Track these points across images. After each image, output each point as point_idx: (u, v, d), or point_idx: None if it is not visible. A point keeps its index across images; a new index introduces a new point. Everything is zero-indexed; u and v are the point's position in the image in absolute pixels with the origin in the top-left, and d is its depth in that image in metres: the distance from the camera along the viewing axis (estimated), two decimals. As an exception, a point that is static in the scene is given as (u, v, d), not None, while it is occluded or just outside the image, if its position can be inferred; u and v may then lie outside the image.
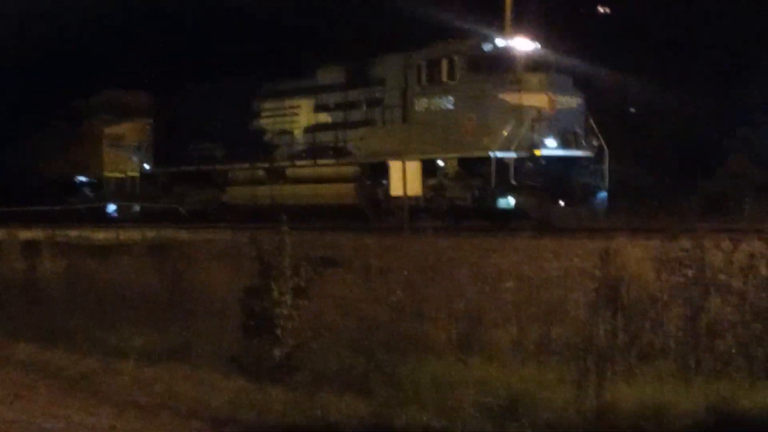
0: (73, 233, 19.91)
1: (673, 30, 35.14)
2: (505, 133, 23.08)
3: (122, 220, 35.44)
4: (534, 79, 24.07)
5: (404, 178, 23.19)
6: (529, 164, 23.20)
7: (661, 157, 32.06)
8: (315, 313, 9.35)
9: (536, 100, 23.63)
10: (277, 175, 29.03)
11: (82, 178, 39.07)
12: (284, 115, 29.26)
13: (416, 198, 23.82)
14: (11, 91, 44.81)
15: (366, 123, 26.44)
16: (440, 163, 24.52)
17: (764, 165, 29.39)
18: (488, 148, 23.14)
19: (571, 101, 24.20)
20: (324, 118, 27.89)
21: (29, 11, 41.36)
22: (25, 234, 17.84)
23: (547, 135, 23.45)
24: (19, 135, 41.74)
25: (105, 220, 35.17)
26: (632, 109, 34.99)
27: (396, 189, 24.00)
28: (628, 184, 26.95)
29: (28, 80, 45.74)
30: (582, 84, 25.45)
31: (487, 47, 24.92)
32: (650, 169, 30.54)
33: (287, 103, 29.19)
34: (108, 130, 37.80)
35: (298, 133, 28.67)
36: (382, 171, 25.31)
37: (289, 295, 9.04)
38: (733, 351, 8.24)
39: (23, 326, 11.66)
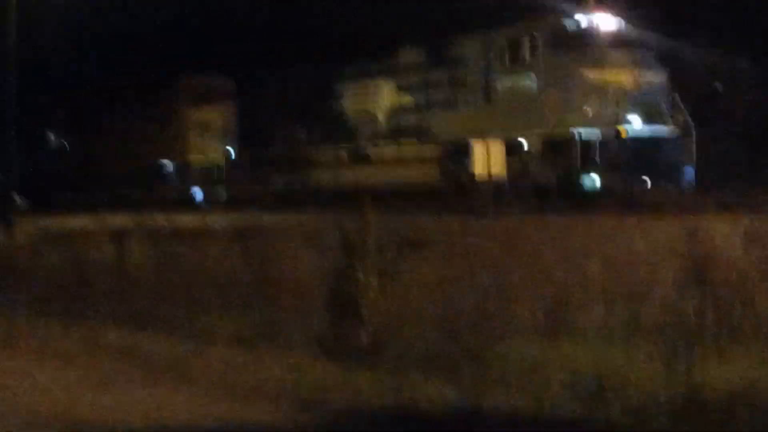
0: (161, 219, 20.10)
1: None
2: (589, 111, 22.90)
3: (209, 204, 35.82)
4: (617, 55, 23.87)
5: (487, 159, 23.16)
6: (614, 142, 23.00)
7: (749, 132, 31.54)
8: (400, 296, 9.35)
9: (620, 76, 23.42)
10: (360, 157, 29.14)
11: (169, 164, 39.54)
12: (366, 96, 29.32)
13: (500, 178, 23.77)
14: (99, 78, 45.48)
15: (448, 103, 26.42)
16: (524, 142, 24.40)
17: None
18: (572, 127, 22.97)
19: (656, 77, 23.95)
20: (406, 99, 27.91)
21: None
22: (114, 220, 18.10)
23: (632, 112, 23.22)
24: (107, 122, 42.35)
25: (192, 205, 35.58)
26: (718, 85, 34.46)
27: (479, 170, 23.99)
28: (715, 160, 26.57)
29: (114, 67, 46.36)
30: (667, 59, 25.12)
31: (568, 24, 24.74)
32: (738, 144, 30.07)
33: (369, 84, 29.25)
34: (193, 116, 38.21)
35: (380, 114, 28.73)
36: (466, 152, 25.29)
37: (374, 277, 9.05)
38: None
39: (114, 312, 11.83)
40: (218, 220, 20.71)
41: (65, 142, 46.38)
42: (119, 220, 18.51)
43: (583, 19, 25.06)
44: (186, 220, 21.67)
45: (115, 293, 12.78)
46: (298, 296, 10.66)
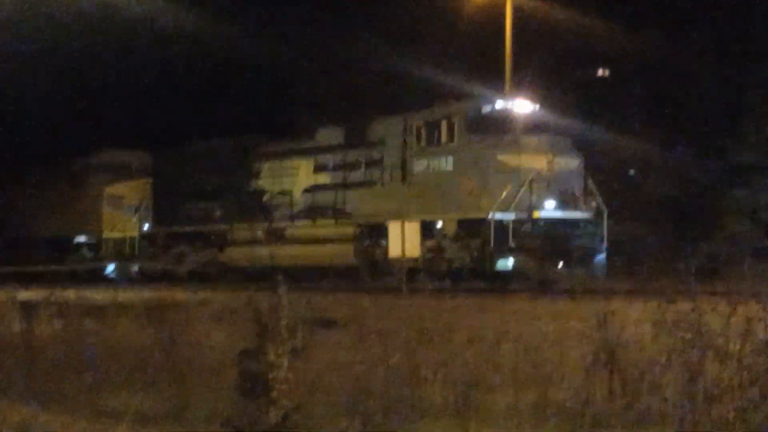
0: (71, 293, 19.83)
1: (669, 89, 35.37)
2: (504, 195, 23.14)
3: (121, 280, 35.41)
4: (533, 140, 24.19)
5: (403, 239, 23.24)
6: (528, 226, 23.24)
7: (659, 218, 32.13)
8: (311, 376, 9.30)
9: (535, 161, 23.73)
10: (276, 235, 29.07)
11: (81, 238, 39.04)
12: (283, 175, 29.34)
13: (414, 259, 23.84)
14: (10, 149, 44.96)
15: (365, 184, 26.51)
16: (439, 224, 24.55)
17: (762, 226, 29.46)
18: (487, 210, 23.18)
19: (570, 162, 24.30)
20: (323, 178, 27.98)
21: (26, 71, 41.58)
22: (23, 294, 17.79)
23: (546, 196, 23.52)
24: (18, 194, 41.78)
25: (104, 281, 35.13)
26: (631, 171, 35.13)
27: (394, 249, 24.09)
28: (626, 246, 26.98)
29: (27, 140, 45.91)
30: (581, 145, 25.55)
31: (486, 109, 25.04)
32: (648, 230, 30.59)
33: (286, 163, 29.29)
34: (107, 190, 37.86)
35: (297, 193, 28.74)
36: (381, 231, 25.37)
37: (285, 357, 8.99)
38: (731, 416, 8.18)
39: (18, 388, 11.57)
40: (130, 296, 20.47)
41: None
42: (29, 293, 18.20)
43: (500, 103, 25.39)
44: (97, 294, 21.39)
45: (21, 369, 12.52)
46: (208, 374, 10.55)
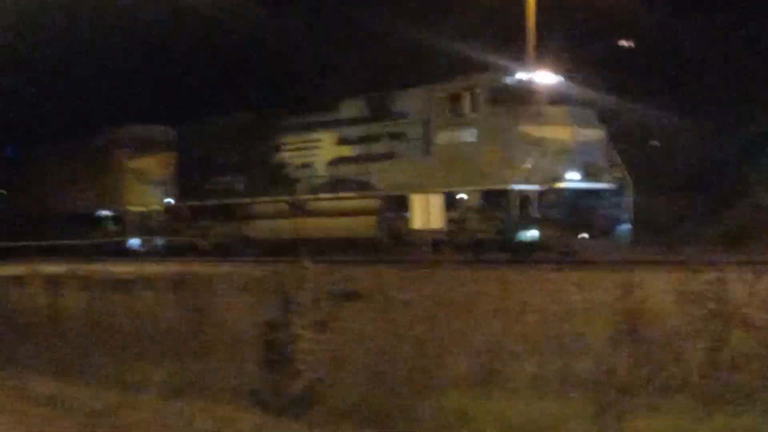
0: (96, 268, 19.94)
1: (694, 57, 35.15)
2: (528, 166, 23.08)
3: (145, 254, 35.57)
4: (556, 111, 24.12)
5: (426, 211, 23.24)
6: (551, 196, 23.18)
7: (684, 188, 31.98)
8: (335, 347, 9.34)
9: (558, 132, 23.66)
10: (299, 209, 29.11)
11: (106, 212, 39.20)
12: (306, 148, 29.35)
13: (438, 230, 23.84)
14: (36, 124, 45.15)
15: (388, 156, 26.49)
16: (462, 196, 24.52)
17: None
18: (510, 181, 23.14)
19: (594, 133, 24.22)
20: (346, 151, 27.97)
21: (48, 45, 41.68)
22: (48, 269, 17.90)
23: (569, 167, 23.45)
24: (43, 169, 42.00)
25: (128, 255, 35.30)
26: (655, 142, 34.96)
27: (418, 222, 24.08)
28: (650, 216, 26.88)
29: (51, 116, 46.05)
30: (604, 115, 25.45)
31: (509, 80, 24.95)
32: (673, 201, 30.46)
33: (309, 136, 29.29)
34: (131, 164, 37.98)
35: (320, 166, 28.75)
36: (404, 204, 25.38)
37: (309, 329, 9.04)
38: (755, 384, 8.17)
39: (45, 361, 11.69)
40: (155, 270, 20.57)
41: (1, 190, 45.93)
42: (53, 268, 18.33)
43: (523, 74, 25.30)
44: (121, 269, 21.52)
45: (48, 342, 12.64)
46: (233, 346, 10.61)
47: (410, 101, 26.20)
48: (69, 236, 36.97)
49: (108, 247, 36.27)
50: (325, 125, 28.83)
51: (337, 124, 28.44)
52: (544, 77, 25.13)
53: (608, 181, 24.05)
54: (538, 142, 23.40)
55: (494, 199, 23.73)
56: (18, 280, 17.26)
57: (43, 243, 32.41)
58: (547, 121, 23.83)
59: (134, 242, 37.78)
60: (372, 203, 26.86)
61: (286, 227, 29.22)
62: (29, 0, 35.38)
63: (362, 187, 27.21)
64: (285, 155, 30.04)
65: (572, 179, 23.44)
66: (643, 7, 34.17)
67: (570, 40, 33.14)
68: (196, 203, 33.24)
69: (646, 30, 34.64)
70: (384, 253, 25.05)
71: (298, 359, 8.94)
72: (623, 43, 35.06)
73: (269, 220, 30.36)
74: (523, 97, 24.42)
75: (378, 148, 26.91)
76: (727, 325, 8.52)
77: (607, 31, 35.10)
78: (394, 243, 25.57)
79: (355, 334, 9.93)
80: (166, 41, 44.85)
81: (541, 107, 24.19)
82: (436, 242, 23.51)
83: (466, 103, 24.64)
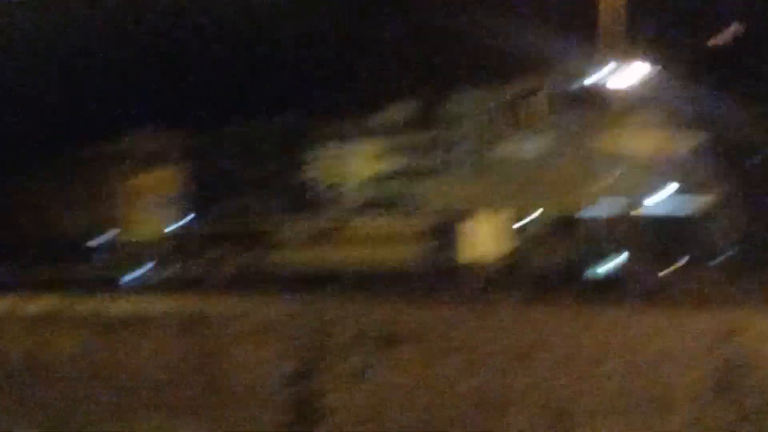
0: (88, 305, 20.10)
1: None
2: (605, 183, 23.01)
3: (147, 288, 35.73)
4: (640, 117, 24.03)
5: (482, 237, 23.21)
6: (636, 220, 23.09)
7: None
8: (373, 402, 9.35)
9: (645, 142, 23.58)
10: (331, 234, 29.15)
11: (98, 239, 39.42)
12: (339, 162, 29.42)
13: (496, 261, 23.81)
14: (12, 139, 45.37)
15: (437, 171, 26.50)
16: (526, 220, 24.49)
17: None
18: (584, 202, 23.08)
19: (689, 140, 24.10)
20: (387, 165, 28.01)
21: (35, 45, 42.04)
22: (31, 306, 18.07)
23: (657, 184, 23.35)
24: (23, 190, 42.29)
25: (125, 289, 35.48)
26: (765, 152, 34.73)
27: (471, 251, 24.04)
28: (760, 242, 26.66)
29: (31, 127, 46.28)
30: (702, 121, 25.32)
31: (582, 80, 24.88)
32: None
33: (343, 148, 29.36)
34: (130, 182, 38.18)
35: (356, 183, 28.80)
36: (456, 228, 25.37)
37: (342, 380, 9.06)
38: None
39: (27, 417, 11.75)
40: (158, 308, 20.69)
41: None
42: (41, 303, 18.50)
43: (598, 73, 25.21)
44: (118, 306, 21.66)
45: (31, 395, 12.71)
46: (250, 400, 10.64)
47: (462, 106, 26.22)
48: (56, 267, 37.22)
49: (102, 279, 36.46)
50: (361, 135, 28.89)
51: (375, 133, 28.49)
52: (629, 75, 25.02)
53: (706, 201, 23.91)
54: (620, 155, 23.33)
55: (565, 223, 23.67)
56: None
57: (26, 275, 32.68)
58: (632, 130, 23.76)
59: (133, 274, 37.97)
60: (416, 228, 26.86)
61: (315, 257, 29.27)
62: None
63: (406, 207, 27.24)
64: (314, 170, 30.13)
65: (662, 199, 23.34)
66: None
67: (659, 27, 33.01)
68: (208, 228, 33.38)
69: (759, 15, 34.41)
70: (430, 289, 25.05)
71: (328, 416, 8.96)
72: (730, 31, 34.85)
73: (295, 248, 30.43)
74: (600, 99, 24.36)
75: (425, 161, 26.94)
76: None
77: (707, 14, 34.93)
78: (442, 276, 25.56)
79: (396, 386, 9.94)
80: (171, 30, 45.00)
81: (622, 112, 24.13)
82: (492, 276, 23.49)
83: (531, 109, 24.63)
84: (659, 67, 25.85)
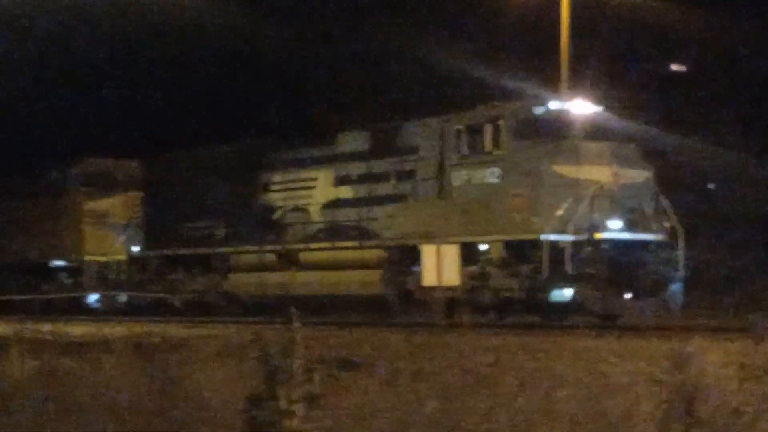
0: (47, 328, 19.97)
1: (759, 80, 35.21)
2: (560, 213, 23.09)
3: (105, 312, 35.54)
4: (595, 147, 24.13)
5: (439, 265, 23.22)
6: (589, 249, 23.17)
7: (747, 240, 31.97)
8: (330, 427, 9.32)
9: (597, 172, 23.67)
10: (289, 260, 29.10)
11: (59, 263, 39.19)
12: (298, 188, 29.38)
13: (454, 288, 23.82)
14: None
15: (395, 199, 26.50)
16: (483, 246, 24.51)
17: None
18: (540, 230, 23.13)
19: (639, 174, 24.23)
20: (345, 192, 27.99)
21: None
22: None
23: (610, 214, 23.45)
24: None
25: (85, 313, 35.27)
26: (711, 185, 35.01)
27: (430, 277, 24.05)
28: (706, 274, 26.85)
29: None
30: (652, 154, 25.46)
31: (538, 110, 24.93)
32: (734, 254, 30.44)
33: (302, 174, 29.33)
34: (89, 206, 37.98)
35: (314, 210, 28.77)
36: (414, 255, 25.37)
37: (300, 405, 9.02)
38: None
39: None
40: (117, 331, 20.57)
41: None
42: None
43: (556, 104, 25.25)
44: (77, 330, 21.52)
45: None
46: (209, 424, 10.59)
47: (422, 134, 26.21)
48: (15, 290, 36.98)
49: (62, 303, 36.24)
50: (320, 161, 28.86)
51: (334, 159, 28.46)
52: (581, 107, 25.12)
53: (656, 232, 24.04)
54: (574, 185, 23.41)
55: (521, 251, 23.72)
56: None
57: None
58: (585, 159, 23.84)
59: (93, 298, 37.76)
60: (376, 255, 26.85)
61: (274, 282, 29.20)
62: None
63: (364, 235, 27.21)
64: (273, 196, 30.07)
65: (613, 229, 23.44)
66: (701, 20, 34.13)
67: (611, 63, 33.26)
68: (166, 252, 33.25)
69: (706, 49, 34.71)
70: (390, 315, 25.04)
71: (285, 441, 8.92)
72: (674, 67, 35.17)
73: (254, 273, 30.33)
74: (556, 130, 24.42)
75: (383, 188, 26.92)
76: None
77: (654, 54, 35.25)
78: (401, 302, 25.56)
79: (355, 411, 9.91)
80: (132, 58, 44.94)
81: (578, 142, 24.21)
82: (451, 302, 23.49)
83: (489, 137, 24.64)
84: (611, 102, 26.04)
